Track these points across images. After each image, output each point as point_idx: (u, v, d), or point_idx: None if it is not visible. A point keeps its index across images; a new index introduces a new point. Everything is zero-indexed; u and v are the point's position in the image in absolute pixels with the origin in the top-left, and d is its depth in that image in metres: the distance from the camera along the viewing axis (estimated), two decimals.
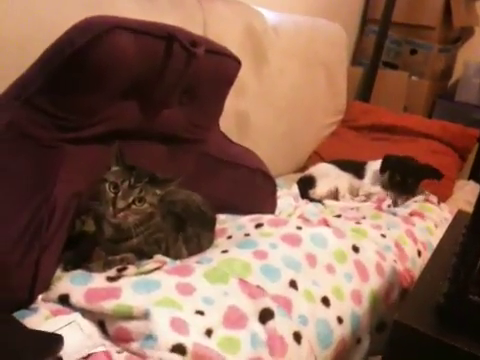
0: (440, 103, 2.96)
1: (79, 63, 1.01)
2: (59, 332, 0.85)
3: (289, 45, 2.10)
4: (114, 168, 1.07)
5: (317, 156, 2.24)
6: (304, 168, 2.17)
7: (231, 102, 1.70)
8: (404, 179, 1.78)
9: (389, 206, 1.77)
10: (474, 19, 2.97)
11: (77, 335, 0.86)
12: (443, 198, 1.93)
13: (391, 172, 1.82)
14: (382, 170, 1.83)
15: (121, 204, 1.01)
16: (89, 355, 0.81)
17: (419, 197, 1.82)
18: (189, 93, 1.34)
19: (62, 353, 0.81)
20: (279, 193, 1.67)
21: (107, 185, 1.03)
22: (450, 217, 1.77)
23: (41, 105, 1.02)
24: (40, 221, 0.97)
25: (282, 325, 0.96)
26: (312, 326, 1.03)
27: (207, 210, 1.26)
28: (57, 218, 1.00)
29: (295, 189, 1.89)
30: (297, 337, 0.97)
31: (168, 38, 1.17)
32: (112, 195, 1.02)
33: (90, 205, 1.07)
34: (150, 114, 1.25)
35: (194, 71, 1.28)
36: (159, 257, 1.07)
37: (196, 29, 1.50)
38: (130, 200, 1.02)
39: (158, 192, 1.07)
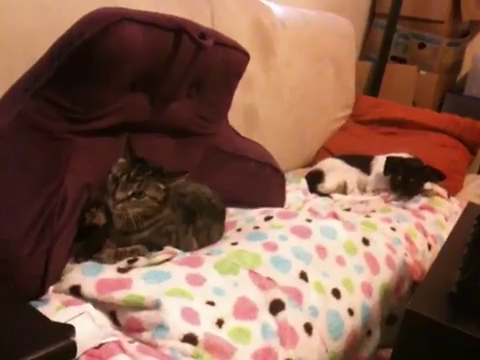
0: (449, 97, 2.94)
1: (88, 54, 1.01)
2: (70, 322, 0.84)
3: (297, 39, 2.09)
4: (120, 160, 1.07)
5: (326, 151, 2.23)
6: (312, 163, 2.16)
7: (239, 96, 1.70)
8: (406, 179, 1.77)
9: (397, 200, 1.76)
10: None
11: (89, 325, 0.86)
12: (453, 192, 1.92)
13: (393, 173, 1.81)
14: (385, 172, 1.82)
15: (119, 196, 1.02)
16: (101, 345, 0.81)
17: (429, 191, 1.80)
18: (197, 86, 1.34)
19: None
20: (288, 187, 1.66)
21: (109, 177, 1.04)
22: (460, 210, 1.76)
23: (51, 97, 1.02)
24: (51, 212, 0.97)
25: (293, 316, 0.96)
26: (323, 317, 1.02)
27: (217, 202, 1.26)
28: (67, 209, 1.01)
29: (304, 183, 1.88)
30: (308, 328, 0.97)
31: (177, 30, 1.17)
32: (112, 187, 1.03)
33: (99, 197, 1.08)
34: (159, 106, 1.25)
35: (203, 63, 1.28)
36: (169, 248, 1.07)
37: (204, 23, 1.48)
38: (129, 193, 1.02)
39: (162, 186, 1.07)
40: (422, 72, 2.87)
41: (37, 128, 1.02)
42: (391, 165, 1.82)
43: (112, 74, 1.08)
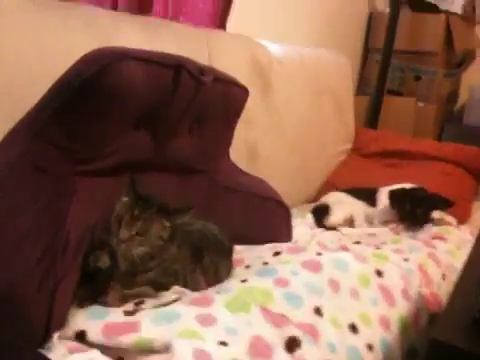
0: (448, 127, 2.94)
1: (88, 93, 1.00)
2: None
3: (294, 76, 2.11)
4: (124, 199, 1.05)
5: (329, 185, 2.21)
6: (316, 198, 2.13)
7: (240, 133, 1.70)
8: (413, 210, 1.74)
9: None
10: (475, 42, 2.99)
11: None
12: (462, 220, 1.89)
13: (400, 204, 1.78)
14: (392, 205, 1.79)
15: (123, 235, 0.99)
16: None
17: (438, 220, 1.77)
18: (199, 122, 1.33)
19: None
20: (293, 223, 1.63)
21: (113, 216, 1.01)
22: (471, 238, 1.73)
23: (51, 137, 1.01)
24: (53, 255, 0.94)
25: (310, 354, 0.92)
26: (342, 354, 0.97)
27: (223, 239, 1.22)
28: (70, 251, 0.97)
29: (310, 218, 1.86)
30: None
31: (176, 67, 1.17)
32: (116, 227, 1.00)
33: (103, 237, 1.04)
34: (160, 144, 1.24)
35: (203, 100, 1.28)
36: (177, 288, 1.03)
37: (202, 62, 1.50)
38: (133, 232, 0.99)
39: (167, 224, 1.04)
40: (420, 104, 2.89)
41: (39, 170, 1.00)
42: (396, 197, 1.79)
43: (113, 112, 1.07)
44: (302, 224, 1.77)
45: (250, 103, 1.73)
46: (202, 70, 1.26)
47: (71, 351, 0.85)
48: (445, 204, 1.74)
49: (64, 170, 1.04)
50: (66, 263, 0.96)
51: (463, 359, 0.73)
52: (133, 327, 0.87)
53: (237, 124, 1.52)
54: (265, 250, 1.31)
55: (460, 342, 0.74)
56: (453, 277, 1.48)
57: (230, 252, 1.25)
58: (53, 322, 0.90)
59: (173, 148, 1.28)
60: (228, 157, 1.56)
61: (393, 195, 1.78)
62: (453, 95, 3.08)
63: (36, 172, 0.99)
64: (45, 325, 0.89)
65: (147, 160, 1.23)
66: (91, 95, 1.00)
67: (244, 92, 1.44)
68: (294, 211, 1.90)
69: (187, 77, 1.20)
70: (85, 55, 1.03)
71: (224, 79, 1.36)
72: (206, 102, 1.30)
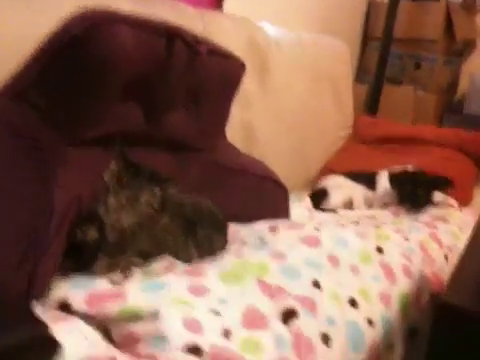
0: (448, 117, 2.90)
1: (75, 51, 0.95)
2: (60, 340, 0.75)
3: (293, 60, 2.06)
4: (112, 166, 1.00)
5: (328, 171, 2.16)
6: (314, 184, 2.08)
7: (236, 115, 1.65)
8: (414, 191, 1.70)
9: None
10: (476, 31, 2.95)
11: (79, 342, 0.76)
12: (463, 204, 1.84)
13: (401, 186, 1.74)
14: (392, 186, 1.75)
15: (111, 203, 0.94)
16: None
17: (440, 202, 1.72)
18: (194, 97, 1.28)
19: None
20: (291, 206, 1.58)
21: (102, 184, 0.96)
22: (473, 221, 1.68)
23: (36, 101, 0.96)
24: (37, 226, 0.88)
25: (307, 325, 0.87)
26: (341, 327, 0.92)
27: (218, 213, 1.17)
28: (55, 224, 0.92)
29: (307, 202, 1.81)
30: (325, 339, 0.87)
31: (170, 35, 1.12)
32: (105, 195, 0.95)
33: (91, 211, 0.99)
34: (154, 118, 1.19)
35: (198, 72, 1.23)
36: (168, 258, 0.97)
37: None
38: (122, 199, 0.94)
39: (158, 192, 0.99)
40: (419, 92, 2.85)
41: (23, 136, 0.95)
42: (396, 178, 1.74)
43: (102, 76, 1.02)
44: (300, 207, 1.72)
45: (247, 84, 1.69)
46: (197, 40, 1.21)
47: (53, 321, 0.80)
48: (446, 183, 1.70)
49: (49, 138, 0.98)
50: (50, 236, 0.91)
51: (471, 321, 0.69)
52: (119, 296, 0.82)
53: (233, 103, 1.47)
54: (261, 226, 1.27)
55: (468, 304, 0.69)
56: (455, 259, 1.43)
57: (225, 227, 1.20)
58: (35, 292, 0.84)
59: (167, 123, 1.23)
60: (225, 136, 1.51)
61: (393, 176, 1.73)
62: (453, 84, 3.04)
63: (19, 138, 0.95)
64: (26, 296, 0.83)
65: (139, 134, 1.17)
66: (78, 54, 0.95)
67: (241, 66, 1.39)
68: (291, 196, 1.84)
69: (181, 45, 1.15)
70: (76, 13, 0.98)
71: (220, 52, 1.31)
72: (202, 75, 1.25)
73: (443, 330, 0.72)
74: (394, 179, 1.73)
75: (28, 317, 0.70)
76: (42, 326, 0.68)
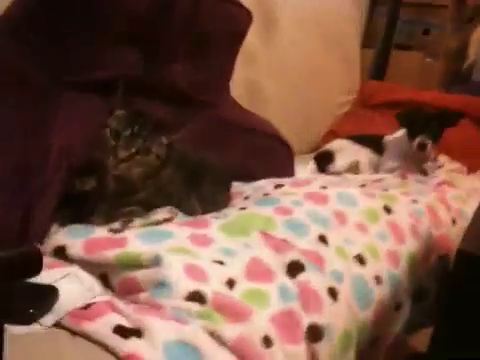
0: (456, 84, 2.82)
1: None
2: (54, 284, 0.71)
3: (301, 15, 1.98)
4: (118, 112, 0.93)
5: (332, 135, 2.10)
6: (318, 148, 2.03)
7: (240, 71, 1.58)
8: (427, 123, 1.66)
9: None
10: None
11: (75, 287, 0.72)
12: (471, 171, 1.80)
13: (412, 121, 1.69)
14: (402, 123, 1.71)
15: (123, 154, 0.88)
16: (88, 305, 0.67)
17: (447, 166, 1.68)
18: (198, 46, 1.22)
19: (58, 305, 0.67)
20: (296, 168, 1.53)
21: (108, 131, 0.90)
22: None
23: (30, 38, 0.90)
24: (31, 165, 0.84)
25: (314, 279, 0.83)
26: (348, 283, 0.89)
27: (222, 169, 1.13)
28: (52, 165, 0.88)
29: (312, 165, 1.76)
30: (333, 293, 0.83)
31: None
32: (113, 143, 0.89)
33: (90, 155, 0.94)
34: (155, 64, 1.13)
35: (203, 17, 1.17)
36: (170, 208, 0.93)
37: None
38: (133, 150, 0.89)
39: (165, 141, 0.94)
40: (427, 59, 2.77)
41: (18, 73, 0.90)
42: (405, 115, 1.70)
43: (102, 18, 0.96)
44: (304, 170, 1.67)
45: (252, 39, 1.62)
46: None
47: (48, 267, 0.76)
48: (456, 116, 1.66)
49: (46, 77, 0.93)
50: (46, 177, 0.87)
51: None
52: (118, 243, 0.78)
53: (238, 57, 1.41)
54: (266, 183, 1.22)
55: None
56: (463, 223, 1.40)
57: (229, 183, 1.15)
58: (29, 236, 0.80)
59: (169, 72, 1.18)
60: (229, 92, 1.45)
61: (401, 114, 1.68)
62: (461, 52, 2.95)
63: (15, 75, 0.89)
64: (19, 239, 0.79)
65: (139, 83, 1.11)
66: None
67: (248, 15, 1.33)
68: (296, 159, 1.80)
69: None
70: None
71: None
72: (207, 20, 1.19)
73: (461, 279, 0.68)
74: (403, 116, 1.68)
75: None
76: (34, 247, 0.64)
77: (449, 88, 2.83)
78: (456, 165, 1.71)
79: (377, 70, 2.73)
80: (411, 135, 1.68)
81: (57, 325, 0.66)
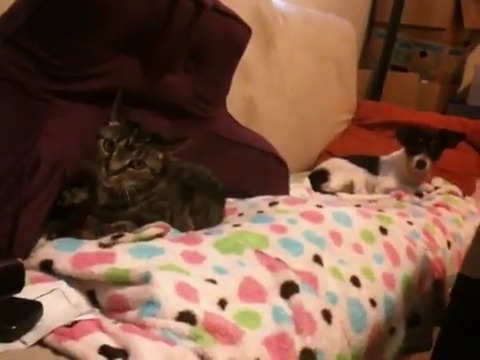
0: (451, 107, 2.83)
1: None
2: (39, 300, 0.68)
3: (299, 35, 1.98)
4: (113, 123, 0.92)
5: (328, 154, 2.09)
6: (314, 167, 2.02)
7: (238, 88, 1.58)
8: (427, 142, 1.65)
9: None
10: None
11: (61, 303, 0.69)
12: (467, 194, 1.79)
13: (411, 139, 1.69)
14: (401, 141, 1.71)
15: (115, 166, 0.86)
16: (74, 323, 0.64)
17: (443, 188, 1.67)
18: (196, 59, 1.21)
19: (41, 322, 0.65)
20: (290, 186, 1.52)
21: (101, 142, 0.88)
22: (476, 211, 1.64)
23: (25, 44, 0.88)
24: (20, 173, 0.82)
25: (308, 301, 0.80)
26: (343, 305, 0.86)
27: (217, 182, 1.11)
28: (41, 174, 0.85)
29: (307, 182, 1.75)
30: (327, 316, 0.81)
31: None
32: (106, 154, 0.87)
33: (82, 165, 0.92)
34: (152, 76, 1.12)
35: (202, 31, 1.16)
36: (161, 223, 0.90)
37: None
38: (126, 162, 0.87)
39: (160, 156, 0.92)
40: (423, 81, 2.78)
41: (9, 80, 0.88)
42: (404, 132, 1.71)
43: (98, 25, 0.95)
44: (299, 188, 1.66)
45: (250, 57, 1.62)
46: None
47: (33, 282, 0.73)
48: (457, 137, 1.68)
49: (39, 86, 0.91)
50: (35, 186, 0.84)
51: None
52: (107, 258, 0.76)
53: (235, 76, 1.40)
54: (260, 200, 1.20)
55: None
56: (458, 246, 1.38)
57: (223, 196, 1.13)
58: (14, 248, 0.78)
59: (166, 84, 1.16)
60: (225, 107, 1.44)
61: (400, 131, 1.68)
62: (458, 75, 2.97)
63: (6, 82, 0.88)
64: (5, 248, 0.77)
65: (136, 93, 1.10)
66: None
67: (247, 31, 1.32)
68: (291, 177, 1.79)
69: None
70: None
71: (226, 12, 1.24)
72: (205, 34, 1.18)
73: (461, 304, 0.67)
74: (402, 133, 1.68)
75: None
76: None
77: (445, 110, 2.85)
78: (452, 187, 1.69)
79: (374, 91, 2.74)
80: (410, 153, 1.67)
81: (40, 343, 0.63)
